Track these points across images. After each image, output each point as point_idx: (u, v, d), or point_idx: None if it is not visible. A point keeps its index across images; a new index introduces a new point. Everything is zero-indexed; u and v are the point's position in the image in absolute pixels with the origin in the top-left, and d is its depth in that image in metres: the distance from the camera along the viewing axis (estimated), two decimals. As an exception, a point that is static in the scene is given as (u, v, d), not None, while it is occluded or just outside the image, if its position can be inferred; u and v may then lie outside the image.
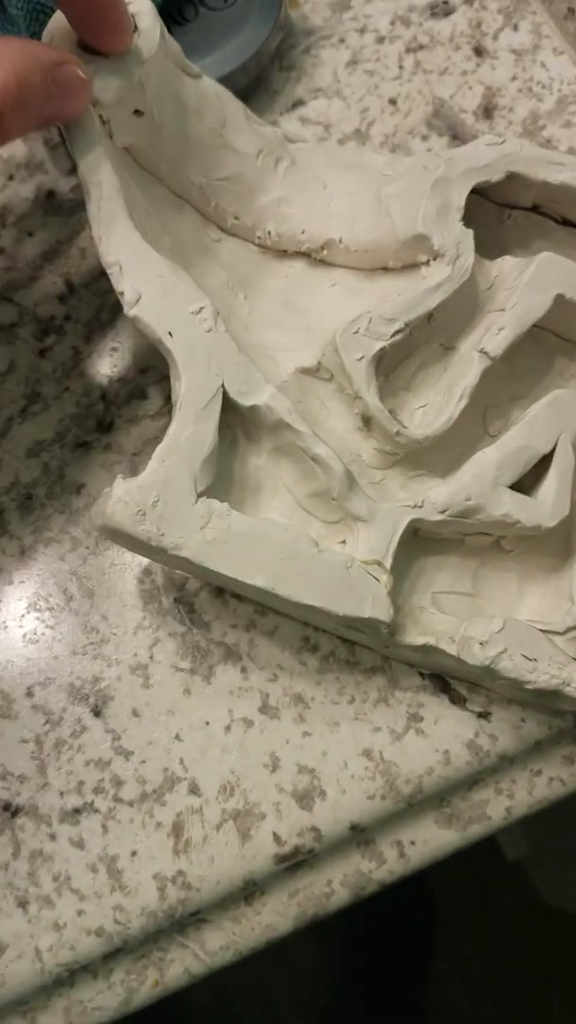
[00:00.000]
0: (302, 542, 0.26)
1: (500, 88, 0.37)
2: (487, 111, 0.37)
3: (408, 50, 0.38)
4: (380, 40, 0.38)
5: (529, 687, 0.25)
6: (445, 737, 0.29)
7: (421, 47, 0.38)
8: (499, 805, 0.29)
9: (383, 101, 0.37)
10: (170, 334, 0.26)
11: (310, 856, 0.28)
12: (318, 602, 0.25)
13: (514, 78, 0.37)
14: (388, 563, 0.26)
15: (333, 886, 0.29)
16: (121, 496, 0.25)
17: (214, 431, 0.26)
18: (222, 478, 0.27)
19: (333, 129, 0.36)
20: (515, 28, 0.38)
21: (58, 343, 0.33)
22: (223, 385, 0.26)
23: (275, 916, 0.29)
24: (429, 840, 0.29)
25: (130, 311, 0.26)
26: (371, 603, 0.26)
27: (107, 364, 0.33)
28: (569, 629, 0.26)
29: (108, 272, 0.26)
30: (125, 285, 0.26)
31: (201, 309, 0.26)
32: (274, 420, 0.26)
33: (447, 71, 0.37)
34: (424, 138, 0.36)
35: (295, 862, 0.28)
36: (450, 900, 1.17)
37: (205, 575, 0.27)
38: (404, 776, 0.28)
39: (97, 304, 0.33)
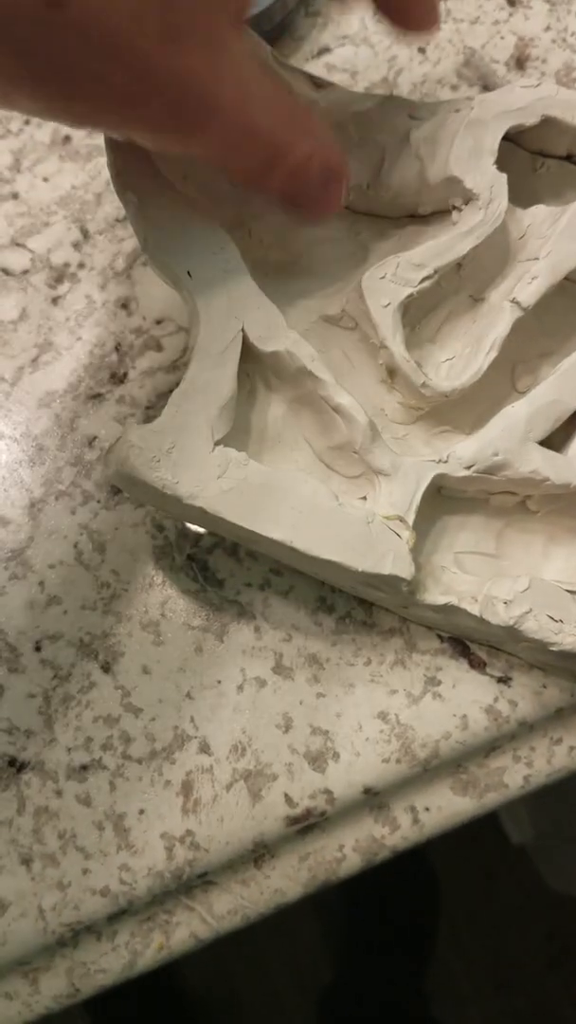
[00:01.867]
0: (322, 495, 0.25)
1: (533, 38, 0.36)
2: (519, 62, 0.35)
3: (438, -2, 0.36)
4: (409, -12, 0.37)
5: (554, 648, 0.25)
6: (463, 702, 0.28)
7: (452, -5, 0.37)
8: (517, 773, 0.29)
9: (412, 50, 0.36)
10: (189, 274, 0.25)
11: (322, 819, 0.27)
12: (337, 557, 0.24)
13: (548, 28, 0.36)
14: (411, 519, 0.25)
15: (345, 851, 0.28)
16: (135, 441, 0.24)
17: (233, 377, 0.25)
18: (240, 428, 0.26)
19: (360, 77, 0.35)
20: (550, -23, 0.36)
21: (72, 291, 0.32)
22: (243, 329, 0.25)
23: (285, 880, 0.28)
24: (444, 807, 0.28)
25: (148, 249, 0.25)
26: (392, 560, 0.25)
27: (122, 314, 0.32)
28: None
29: (125, 208, 0.25)
30: (142, 222, 0.25)
31: (223, 248, 0.25)
32: (296, 368, 0.25)
33: (478, 20, 0.36)
34: (454, 88, 0.35)
35: (306, 825, 0.27)
36: (453, 883, 1.17)
37: (220, 527, 0.26)
38: (420, 740, 0.28)
39: (113, 252, 0.32)
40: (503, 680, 0.28)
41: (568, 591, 0.25)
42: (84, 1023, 1.01)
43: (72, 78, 0.18)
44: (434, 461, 0.26)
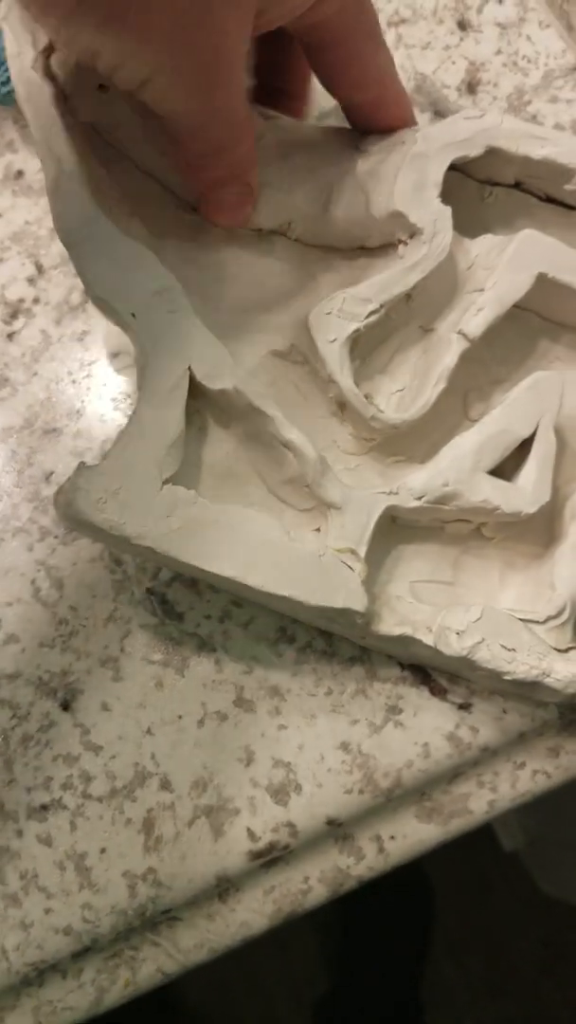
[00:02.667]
0: (273, 530, 0.25)
1: (484, 63, 0.36)
2: (471, 86, 0.36)
3: (390, 24, 0.37)
4: (361, 14, 0.37)
5: (508, 678, 0.25)
6: (425, 729, 0.28)
7: (403, 21, 0.37)
8: (481, 799, 0.29)
9: (364, 76, 0.36)
10: (133, 315, 0.25)
11: (286, 852, 0.27)
12: (289, 592, 0.24)
13: (499, 52, 0.36)
14: (362, 551, 0.25)
15: (310, 883, 0.28)
16: (81, 484, 0.24)
17: (180, 416, 0.25)
18: (191, 464, 0.26)
19: (313, 105, 0.35)
20: (500, 1, 0.37)
21: (27, 326, 0.32)
22: (190, 368, 0.25)
23: (250, 914, 0.28)
24: (409, 835, 0.28)
25: (91, 291, 0.25)
26: (344, 593, 0.25)
27: (78, 348, 0.32)
28: (549, 618, 0.25)
29: (68, 252, 0.25)
30: (84, 264, 0.25)
31: (167, 290, 0.26)
32: (244, 405, 0.25)
33: (429, 45, 0.36)
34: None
35: (270, 859, 0.27)
36: (447, 891, 1.17)
37: (174, 565, 0.26)
38: (383, 769, 0.28)
39: (67, 287, 0.32)
40: (464, 707, 0.28)
41: (521, 619, 0.25)
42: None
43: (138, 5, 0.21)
44: (385, 493, 0.26)
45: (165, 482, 0.24)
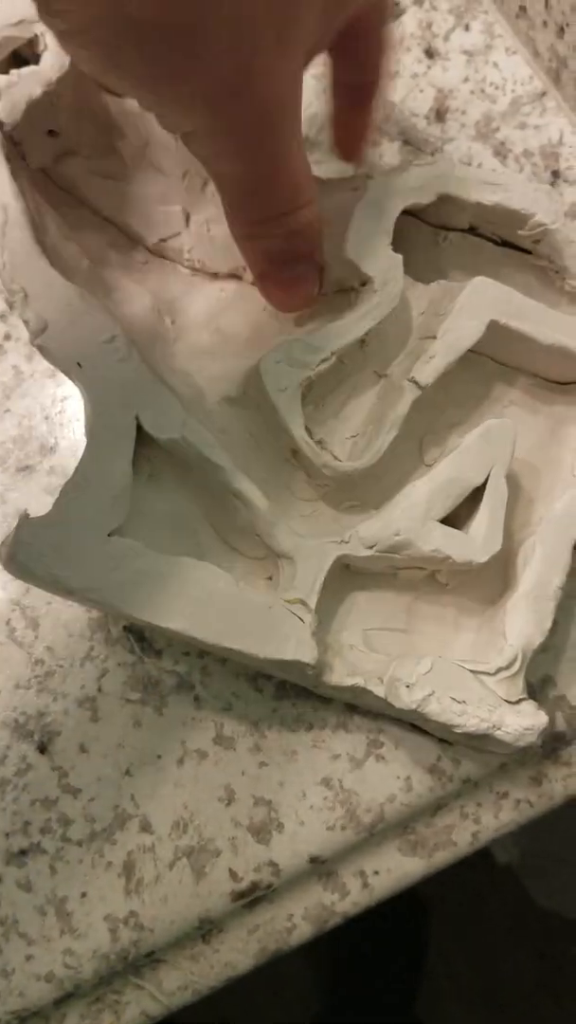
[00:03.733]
0: (221, 582, 0.25)
1: (452, 90, 0.36)
2: (439, 114, 0.36)
3: (357, 53, 0.37)
4: (329, 43, 0.37)
5: (458, 731, 0.24)
6: (406, 762, 0.28)
7: (370, 50, 0.37)
8: (465, 830, 0.28)
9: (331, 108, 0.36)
10: (79, 365, 0.25)
11: (269, 891, 0.27)
12: (238, 645, 0.24)
13: (466, 79, 0.36)
14: (312, 602, 0.25)
15: (294, 920, 0.28)
16: (23, 537, 0.23)
17: (127, 465, 0.25)
18: (141, 513, 0.26)
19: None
20: (467, 28, 0.37)
21: (-1, 363, 0.32)
22: (137, 418, 0.25)
23: (234, 954, 0.27)
24: (393, 869, 0.28)
25: (35, 340, 0.25)
26: (294, 644, 0.24)
27: (51, 384, 0.32)
28: (500, 670, 0.25)
29: (11, 300, 0.25)
30: (29, 313, 0.25)
31: (113, 338, 0.25)
32: (193, 454, 0.25)
33: (397, 74, 0.36)
34: (375, 144, 0.35)
35: (253, 898, 0.27)
36: (441, 906, 1.16)
37: (123, 616, 0.25)
38: (365, 805, 0.27)
39: (39, 322, 0.32)
40: (444, 739, 0.28)
41: (471, 671, 0.25)
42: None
43: (196, 56, 0.19)
44: (336, 542, 0.26)
45: (111, 533, 0.24)
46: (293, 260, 0.26)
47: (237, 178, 0.23)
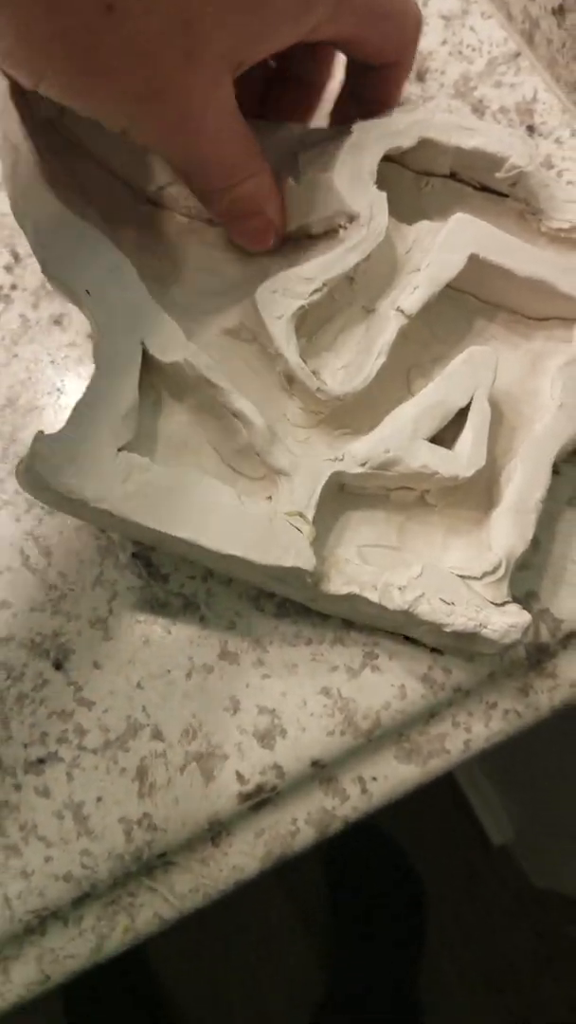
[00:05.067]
0: (224, 495, 0.26)
1: (431, 52, 0.38)
2: (419, 75, 0.38)
3: (341, 20, 0.39)
4: (314, 12, 0.39)
5: (447, 630, 0.26)
6: (400, 672, 0.29)
7: (353, 17, 0.39)
8: (457, 739, 0.30)
9: (319, 70, 0.38)
10: (88, 292, 0.27)
11: (273, 794, 0.29)
12: (241, 552, 0.26)
13: (444, 42, 0.38)
14: (310, 514, 0.27)
15: (298, 824, 0.29)
16: (39, 450, 0.25)
17: (133, 386, 0.26)
18: (147, 436, 0.28)
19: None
20: (444, -5, 0.39)
21: (5, 312, 0.33)
22: (143, 342, 0.27)
23: (242, 857, 0.29)
24: (390, 775, 0.30)
25: (46, 271, 0.27)
26: (294, 553, 0.26)
27: (56, 330, 0.33)
28: (486, 574, 0.27)
29: (24, 233, 0.27)
30: (41, 246, 0.27)
31: (118, 268, 0.27)
32: (195, 376, 0.27)
33: (380, 39, 0.38)
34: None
35: (259, 800, 0.29)
36: (439, 889, 1.17)
37: (131, 531, 0.27)
38: (362, 712, 0.29)
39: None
40: (436, 649, 0.30)
41: (460, 575, 0.27)
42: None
43: (104, 73, 0.23)
44: (331, 460, 0.27)
45: (120, 449, 0.26)
46: (243, 218, 0.29)
47: (174, 160, 0.27)
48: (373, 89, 0.31)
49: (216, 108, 0.25)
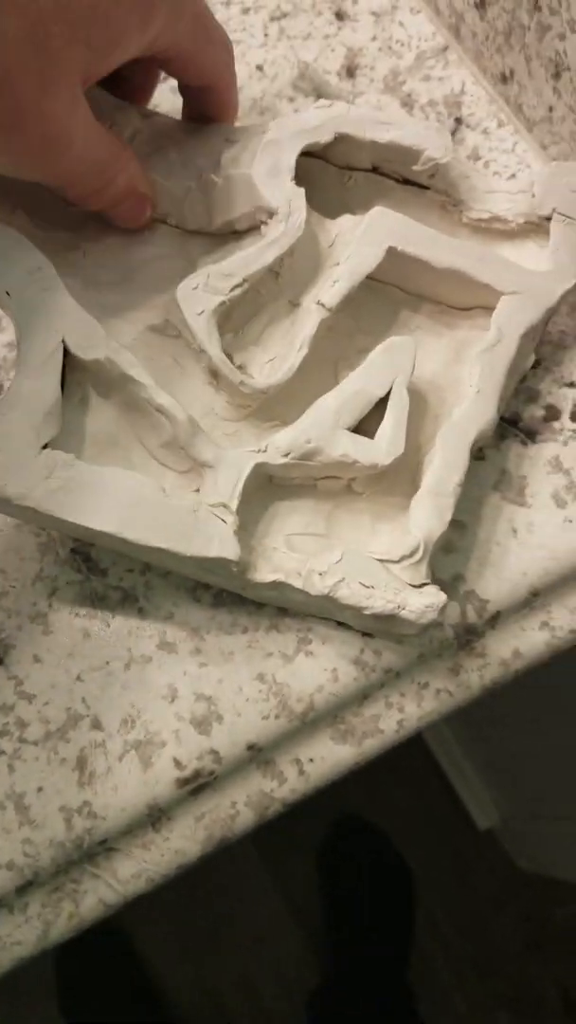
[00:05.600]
0: (147, 488, 0.27)
1: (361, 48, 0.39)
2: (350, 71, 0.38)
3: (272, 18, 0.39)
4: (245, 11, 0.40)
5: (367, 612, 0.27)
6: (332, 656, 0.30)
7: (284, 15, 0.39)
8: (391, 719, 0.31)
9: (250, 68, 0.39)
10: (8, 293, 0.27)
11: (211, 779, 0.30)
12: (166, 544, 0.27)
13: (374, 38, 0.39)
14: (234, 505, 0.27)
15: (238, 807, 0.30)
16: None
17: (55, 385, 0.27)
18: (74, 433, 0.28)
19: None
20: (373, -8, 0.39)
21: (-56, 315, 0.34)
22: (63, 341, 0.27)
23: (183, 841, 0.30)
24: (327, 756, 0.30)
25: None
26: (218, 543, 0.27)
27: (-7, 332, 0.34)
28: (404, 557, 0.28)
29: None
30: None
31: (39, 269, 0.28)
32: (117, 373, 0.28)
33: (310, 36, 0.39)
34: (291, 100, 0.38)
35: (197, 785, 0.29)
36: (426, 874, 1.18)
37: (59, 526, 0.28)
38: (296, 695, 0.30)
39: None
40: (367, 634, 0.30)
41: (380, 560, 0.28)
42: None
43: None
44: (253, 451, 0.28)
45: (44, 447, 0.26)
46: (117, 204, 0.30)
47: (44, 180, 0.27)
48: (208, 108, 0.32)
49: (77, 125, 0.26)
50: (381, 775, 0.30)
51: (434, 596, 0.27)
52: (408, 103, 0.38)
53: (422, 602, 0.27)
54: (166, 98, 0.37)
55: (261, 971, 1.16)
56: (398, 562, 0.27)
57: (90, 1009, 1.05)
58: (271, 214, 0.30)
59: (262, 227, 0.30)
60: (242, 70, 0.38)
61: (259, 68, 0.38)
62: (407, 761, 1.19)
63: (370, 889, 1.16)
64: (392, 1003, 1.09)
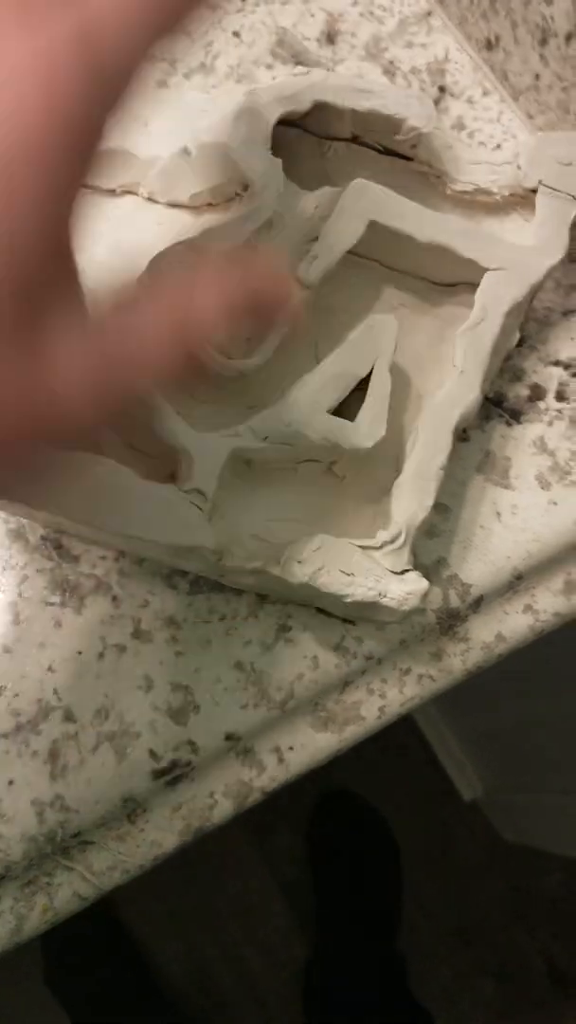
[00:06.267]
0: (123, 476, 0.26)
1: (342, 13, 0.37)
2: (330, 37, 0.37)
3: (249, -19, 0.38)
4: (221, -27, 0.38)
5: (348, 600, 0.26)
6: (312, 644, 0.29)
7: (261, -23, 0.38)
8: (372, 705, 0.30)
9: (227, 34, 0.37)
10: None
11: (188, 769, 0.29)
12: (139, 532, 0.26)
13: (355, 3, 0.37)
14: (210, 491, 0.27)
15: (216, 797, 0.29)
16: None
17: None
18: None
19: (179, 65, 0.36)
20: (354, -47, 0.38)
21: None
22: None
23: (160, 832, 0.29)
24: (307, 744, 0.30)
25: None
26: (193, 530, 0.26)
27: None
28: (385, 544, 0.27)
29: None
30: None
31: None
32: None
33: (289, 0, 0.37)
34: (269, 67, 0.37)
35: (174, 776, 0.29)
36: (412, 845, 1.19)
37: (28, 515, 0.27)
38: (276, 683, 0.29)
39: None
40: (348, 620, 0.30)
41: (360, 546, 0.27)
42: (64, 1020, 1.02)
43: None
44: (230, 435, 0.27)
45: None
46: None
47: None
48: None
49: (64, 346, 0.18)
50: (366, 748, 0.30)
51: (416, 583, 0.26)
52: (390, 70, 0.36)
53: (403, 589, 0.26)
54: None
55: (250, 944, 1.17)
56: (379, 548, 0.27)
57: (77, 982, 1.05)
58: (246, 186, 0.28)
59: (237, 199, 0.29)
60: (219, 36, 0.37)
61: (236, 34, 0.37)
62: (392, 733, 1.19)
63: (356, 861, 1.16)
64: (380, 973, 1.10)
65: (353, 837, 1.17)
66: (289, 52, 0.37)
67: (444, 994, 1.19)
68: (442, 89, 0.36)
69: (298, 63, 0.37)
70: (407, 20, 0.37)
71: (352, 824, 1.17)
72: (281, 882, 1.17)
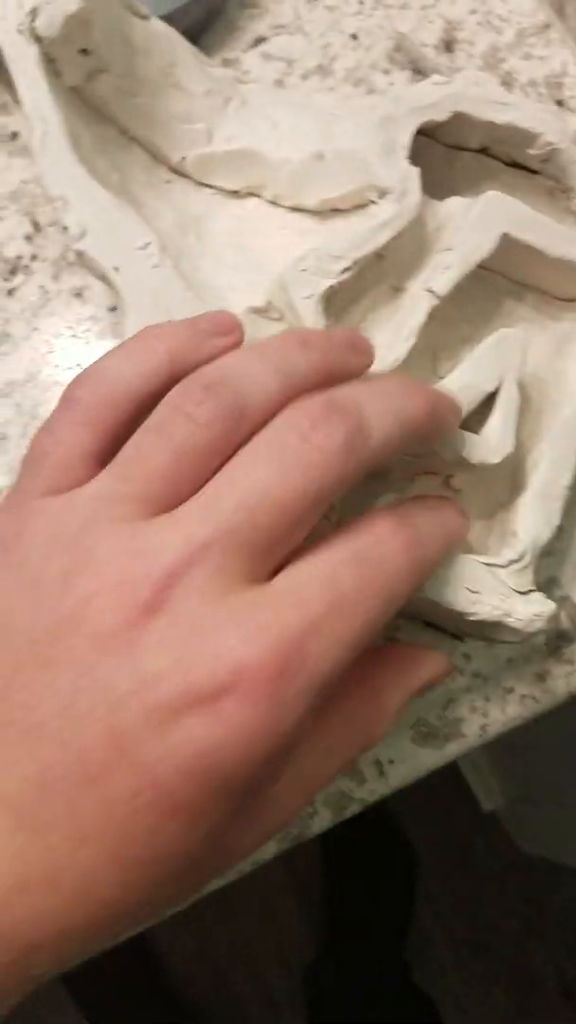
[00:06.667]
0: None
1: (460, 22, 0.37)
2: (447, 45, 0.37)
3: (368, -15, 0.38)
4: (340, -24, 0.38)
5: (472, 618, 0.26)
6: (421, 657, 0.29)
7: (381, -18, 0.38)
8: (473, 723, 0.30)
9: (345, 36, 0.37)
10: (116, 269, 0.26)
11: (292, 777, 0.29)
12: None
13: (473, 12, 0.37)
14: (335, 501, 0.26)
15: (316, 806, 0.29)
16: None
17: None
18: None
19: (296, 65, 0.36)
20: (474, -38, 0.38)
21: (25, 283, 0.33)
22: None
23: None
24: (408, 758, 0.30)
25: (76, 245, 0.26)
26: None
27: (77, 303, 0.33)
28: (511, 562, 0.26)
29: (54, 206, 0.26)
30: (70, 219, 0.26)
31: (147, 245, 0.27)
32: None
33: (407, 5, 0.37)
34: (386, 72, 0.36)
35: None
36: (429, 853, 1.19)
37: None
38: (382, 696, 0.29)
39: (64, 243, 0.33)
40: (456, 636, 0.30)
41: (485, 563, 0.26)
42: (76, 1015, 1.03)
43: None
44: None
45: None
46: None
47: None
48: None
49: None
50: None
51: (542, 604, 0.26)
52: (508, 82, 0.36)
53: (530, 610, 0.26)
54: (254, 63, 0.36)
55: (262, 943, 1.17)
56: (505, 567, 0.27)
57: (92, 980, 1.06)
58: (382, 193, 0.28)
59: (371, 207, 0.29)
60: (336, 39, 0.37)
61: (353, 37, 0.37)
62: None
63: (371, 865, 1.16)
64: (389, 979, 1.10)
65: (369, 841, 1.16)
66: (407, 58, 0.37)
67: (454, 1001, 1.19)
68: (560, 103, 0.36)
69: (415, 70, 0.37)
70: (525, 31, 0.37)
71: (368, 827, 1.17)
72: (296, 882, 1.17)
